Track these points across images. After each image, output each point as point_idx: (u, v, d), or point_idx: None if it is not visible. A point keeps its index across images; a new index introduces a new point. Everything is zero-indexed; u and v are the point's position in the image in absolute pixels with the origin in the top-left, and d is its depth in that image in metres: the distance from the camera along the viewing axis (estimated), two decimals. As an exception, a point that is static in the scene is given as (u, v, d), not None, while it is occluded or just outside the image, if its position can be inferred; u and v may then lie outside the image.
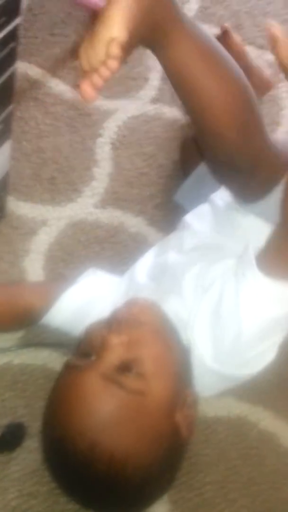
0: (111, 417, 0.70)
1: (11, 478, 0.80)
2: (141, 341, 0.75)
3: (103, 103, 1.22)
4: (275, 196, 0.79)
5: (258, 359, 0.77)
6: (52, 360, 0.90)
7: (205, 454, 0.84)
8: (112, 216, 1.09)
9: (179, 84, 0.74)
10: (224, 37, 1.16)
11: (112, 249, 1.05)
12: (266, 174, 0.80)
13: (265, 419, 0.89)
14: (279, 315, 0.74)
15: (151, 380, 0.72)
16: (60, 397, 0.74)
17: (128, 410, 0.70)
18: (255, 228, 0.82)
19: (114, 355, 0.73)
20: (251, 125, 0.76)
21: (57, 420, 0.72)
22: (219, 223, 0.91)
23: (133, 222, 1.08)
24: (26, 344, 0.91)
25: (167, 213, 1.09)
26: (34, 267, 1.00)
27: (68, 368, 0.76)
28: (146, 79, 1.28)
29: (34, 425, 0.82)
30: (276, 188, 0.79)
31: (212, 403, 0.88)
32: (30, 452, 0.82)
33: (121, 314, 0.78)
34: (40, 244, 1.03)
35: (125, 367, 0.72)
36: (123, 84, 1.26)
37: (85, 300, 0.88)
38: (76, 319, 0.86)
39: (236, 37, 1.19)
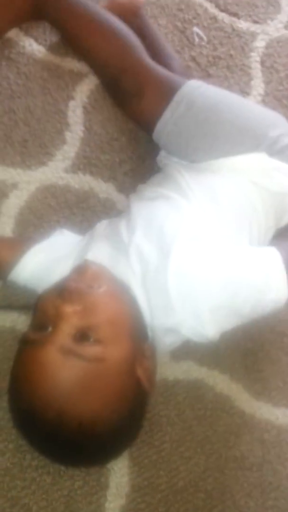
0: (74, 387, 0.70)
1: (-21, 436, 0.81)
2: (94, 307, 0.74)
3: (75, 66, 1.17)
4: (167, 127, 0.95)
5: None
6: (21, 322, 0.90)
7: (164, 415, 0.86)
8: (83, 181, 1.07)
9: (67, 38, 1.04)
10: None
11: (81, 214, 1.03)
12: (152, 95, 0.95)
13: (220, 383, 0.91)
14: None
15: (109, 344, 0.72)
16: (22, 372, 0.74)
17: (90, 377, 0.71)
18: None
19: (69, 325, 0.71)
20: (128, 56, 0.97)
21: (22, 395, 0.73)
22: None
23: (103, 188, 1.07)
24: (-5, 306, 0.90)
25: (137, 180, 1.07)
26: (4, 231, 0.99)
27: (26, 343, 0.75)
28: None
29: (2, 385, 0.82)
30: (164, 110, 0.94)
31: (172, 366, 0.89)
32: (-1, 410, 0.82)
33: (73, 282, 0.76)
34: (11, 207, 1.01)
35: (82, 336, 0.72)
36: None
37: (49, 257, 0.88)
38: (40, 276, 0.86)
39: None
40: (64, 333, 0.71)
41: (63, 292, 0.74)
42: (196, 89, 0.96)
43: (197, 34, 1.29)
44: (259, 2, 1.32)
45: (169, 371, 0.89)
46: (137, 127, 1.08)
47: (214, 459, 0.85)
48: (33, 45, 1.17)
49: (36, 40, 1.17)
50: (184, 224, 0.83)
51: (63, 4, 0.99)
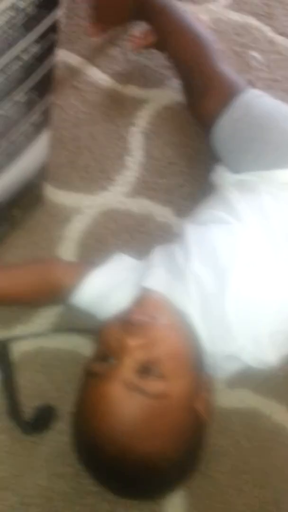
0: (138, 423, 0.69)
1: (40, 459, 0.81)
2: (157, 341, 0.72)
3: (137, 93, 1.17)
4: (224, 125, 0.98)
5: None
6: (82, 346, 0.89)
7: (220, 445, 0.84)
8: (142, 205, 1.05)
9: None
10: None
11: (140, 238, 1.02)
12: (215, 95, 1.00)
13: (277, 412, 0.88)
14: None
15: (171, 379, 0.71)
16: (87, 405, 0.72)
17: (154, 414, 0.69)
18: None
19: (132, 359, 0.70)
20: (203, 58, 1.05)
21: (86, 427, 0.72)
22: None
23: (161, 212, 1.05)
24: (58, 329, 0.90)
25: (194, 204, 1.05)
26: (66, 254, 0.98)
27: (89, 376, 0.74)
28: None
29: (64, 408, 0.82)
30: (224, 112, 0.98)
31: (228, 394, 0.87)
32: (59, 434, 0.82)
33: (135, 314, 0.75)
34: (74, 231, 1.00)
35: (145, 370, 0.70)
36: (157, 73, 1.20)
37: (108, 283, 0.86)
38: (99, 301, 0.85)
39: None
40: (128, 367, 0.69)
41: (126, 325, 0.73)
42: (256, 97, 0.99)
43: (255, 58, 1.27)
44: None
45: (224, 399, 0.86)
46: (201, 128, 1.09)
47: (271, 493, 0.82)
48: (97, 74, 1.17)
49: (100, 68, 1.18)
50: (239, 248, 0.81)
51: (157, 7, 1.10)
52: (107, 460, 0.69)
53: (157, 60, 1.21)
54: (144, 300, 0.78)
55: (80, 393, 0.75)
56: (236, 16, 1.30)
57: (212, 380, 0.79)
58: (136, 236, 1.02)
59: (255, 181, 0.91)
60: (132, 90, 1.17)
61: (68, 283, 0.87)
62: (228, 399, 0.87)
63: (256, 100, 0.99)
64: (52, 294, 0.89)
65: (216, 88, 1.01)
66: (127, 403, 0.69)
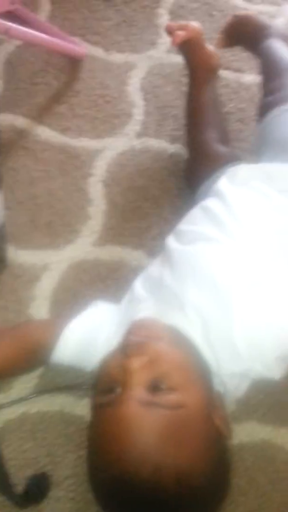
0: (164, 438, 0.65)
1: (40, 532, 0.75)
2: (160, 357, 0.71)
3: (90, 143, 1.19)
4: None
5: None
6: (69, 405, 0.85)
7: (234, 484, 0.78)
8: (112, 252, 1.04)
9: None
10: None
11: (115, 285, 0.99)
12: (203, 163, 1.05)
13: (290, 441, 0.83)
14: None
15: (183, 390, 0.69)
16: (104, 437, 0.68)
17: (176, 425, 0.66)
18: None
19: (140, 379, 0.68)
20: (197, 129, 1.11)
21: (110, 460, 0.66)
22: None
23: (133, 256, 1.04)
24: (41, 391, 0.86)
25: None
26: (40, 313, 0.96)
27: (99, 408, 0.71)
28: (129, 115, 1.24)
29: (58, 474, 0.78)
30: (211, 177, 0.99)
31: (234, 429, 0.82)
32: (57, 502, 0.77)
33: (132, 338, 0.74)
34: (44, 289, 0.98)
35: (155, 387, 0.68)
36: (108, 123, 1.22)
37: (88, 330, 0.83)
38: (83, 350, 0.82)
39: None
40: (138, 387, 0.68)
41: (126, 349, 0.71)
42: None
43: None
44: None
45: (232, 435, 0.83)
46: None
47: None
48: (46, 131, 1.19)
49: (49, 126, 1.20)
50: (236, 270, 0.79)
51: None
52: (142, 485, 0.64)
53: (107, 111, 1.24)
54: (137, 325, 0.76)
55: (92, 429, 0.71)
56: (178, 58, 1.34)
57: (223, 397, 0.76)
58: (110, 283, 1.00)
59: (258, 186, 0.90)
60: (85, 142, 1.18)
61: (48, 342, 0.83)
62: (235, 434, 0.82)
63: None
64: (33, 359, 0.85)
65: (202, 158, 1.08)
66: (147, 420, 0.66)
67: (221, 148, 1.09)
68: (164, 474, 0.64)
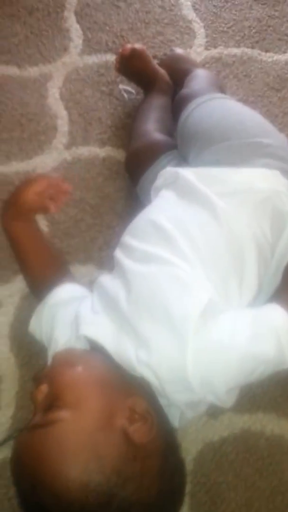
0: (45, 454, 0.68)
1: None
2: (55, 382, 0.75)
3: (20, 167, 1.18)
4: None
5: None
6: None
7: (222, 481, 0.79)
8: (62, 272, 1.04)
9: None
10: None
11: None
12: (143, 150, 1.10)
13: (268, 424, 0.84)
14: None
15: (74, 405, 0.72)
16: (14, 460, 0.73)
17: (51, 441, 0.69)
18: None
19: (40, 406, 0.74)
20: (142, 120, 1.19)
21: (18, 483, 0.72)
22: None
23: (83, 271, 1.04)
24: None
25: (113, 251, 1.04)
26: (2, 352, 0.96)
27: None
28: (54, 128, 1.23)
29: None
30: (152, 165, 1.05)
31: (212, 425, 0.83)
32: None
33: (38, 373, 0.80)
34: (1, 326, 0.99)
35: (48, 408, 0.73)
36: (34, 141, 1.22)
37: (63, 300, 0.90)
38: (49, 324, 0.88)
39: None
40: (38, 414, 0.73)
41: (34, 381, 0.79)
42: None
43: (125, 90, 1.30)
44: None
45: (210, 431, 0.82)
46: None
47: (290, 510, 0.78)
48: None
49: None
50: (191, 299, 0.78)
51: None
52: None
53: (31, 129, 1.23)
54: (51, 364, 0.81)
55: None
56: (92, 59, 1.34)
57: (149, 410, 0.74)
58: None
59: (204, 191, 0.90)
60: (14, 167, 1.18)
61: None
62: (214, 430, 0.84)
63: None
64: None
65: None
66: (28, 443, 0.70)
67: (161, 136, 1.12)
68: (73, 489, 0.66)
